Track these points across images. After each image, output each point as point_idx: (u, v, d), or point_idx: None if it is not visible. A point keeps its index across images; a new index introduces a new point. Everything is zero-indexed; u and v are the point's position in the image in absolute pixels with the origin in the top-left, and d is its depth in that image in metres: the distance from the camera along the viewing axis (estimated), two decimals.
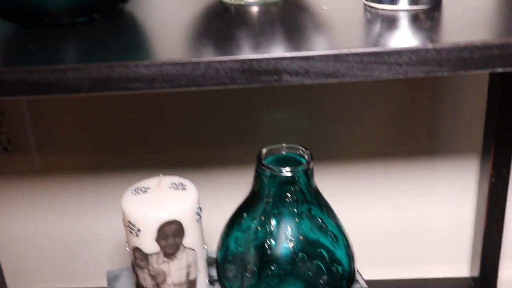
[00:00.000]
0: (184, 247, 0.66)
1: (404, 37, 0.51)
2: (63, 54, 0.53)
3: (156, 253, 0.65)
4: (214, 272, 0.78)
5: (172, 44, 0.53)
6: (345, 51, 0.47)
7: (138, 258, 0.67)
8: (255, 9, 0.59)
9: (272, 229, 0.69)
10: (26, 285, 1.01)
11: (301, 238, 0.69)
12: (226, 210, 0.75)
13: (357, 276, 0.81)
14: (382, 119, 0.90)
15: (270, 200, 0.69)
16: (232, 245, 0.72)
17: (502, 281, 0.98)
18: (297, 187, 0.68)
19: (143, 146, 0.91)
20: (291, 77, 0.47)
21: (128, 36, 0.56)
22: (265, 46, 0.49)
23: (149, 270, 0.66)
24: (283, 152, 0.72)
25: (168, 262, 0.66)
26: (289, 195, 0.68)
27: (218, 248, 0.74)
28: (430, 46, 0.47)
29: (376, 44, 0.48)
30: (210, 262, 0.78)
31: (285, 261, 0.70)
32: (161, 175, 0.68)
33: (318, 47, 0.48)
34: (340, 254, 0.72)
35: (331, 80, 0.46)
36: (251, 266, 0.70)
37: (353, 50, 0.47)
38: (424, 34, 0.50)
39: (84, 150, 0.91)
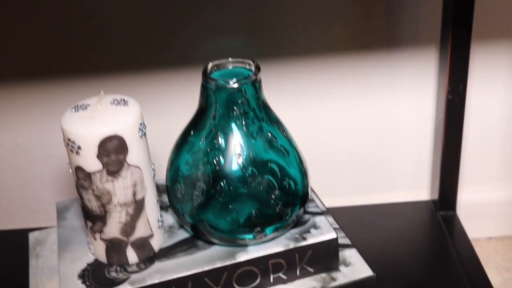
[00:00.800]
0: (128, 164, 0.63)
1: None
2: None
3: (99, 171, 0.62)
4: (166, 199, 0.76)
5: None
6: None
7: (81, 178, 0.64)
8: None
9: (221, 145, 0.67)
10: None
11: (251, 153, 0.67)
12: (174, 130, 0.73)
13: (312, 195, 0.79)
14: (336, 11, 0.87)
15: (218, 115, 0.67)
16: (181, 165, 0.70)
17: (461, 205, 0.98)
18: (244, 100, 0.66)
19: (84, 66, 0.88)
20: None
21: None
22: None
23: (93, 190, 0.64)
24: (230, 67, 0.70)
25: (112, 181, 0.63)
26: (236, 109, 0.66)
27: (167, 169, 0.72)
28: None
29: None
30: (161, 189, 0.76)
31: (235, 177, 0.68)
32: (102, 92, 0.65)
33: None
34: (292, 169, 0.70)
35: None
36: (201, 185, 0.68)
37: None
38: None
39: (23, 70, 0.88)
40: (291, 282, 0.73)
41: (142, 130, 0.65)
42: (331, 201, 0.91)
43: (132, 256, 0.69)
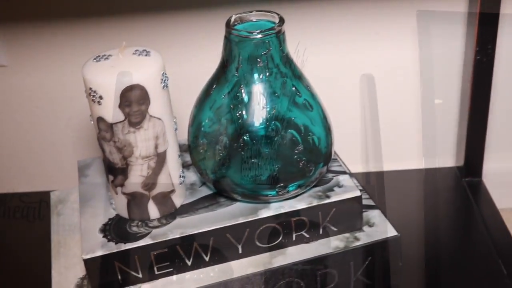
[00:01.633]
0: (150, 116, 0.62)
1: None
2: None
3: (121, 122, 0.62)
4: (187, 158, 0.75)
5: None
6: None
7: (103, 129, 0.63)
8: None
9: (243, 99, 0.66)
10: None
11: (274, 107, 0.66)
12: (196, 83, 0.71)
13: (336, 156, 0.78)
14: None
15: (241, 67, 0.65)
16: (203, 121, 0.69)
17: (487, 173, 0.96)
18: (268, 52, 0.65)
19: (105, 17, 0.87)
20: None
21: None
22: None
23: (115, 142, 0.63)
24: (254, 19, 0.68)
25: (134, 132, 0.63)
26: (260, 61, 0.65)
27: (189, 125, 0.71)
28: None
29: None
30: (183, 148, 0.75)
31: (258, 132, 0.66)
32: (124, 43, 0.64)
33: None
34: (316, 126, 0.69)
35: None
36: (224, 140, 0.67)
37: None
38: None
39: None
40: (314, 241, 0.72)
41: (164, 81, 0.64)
42: (355, 168, 0.90)
43: (153, 211, 0.68)
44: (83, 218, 0.70)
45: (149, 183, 0.67)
